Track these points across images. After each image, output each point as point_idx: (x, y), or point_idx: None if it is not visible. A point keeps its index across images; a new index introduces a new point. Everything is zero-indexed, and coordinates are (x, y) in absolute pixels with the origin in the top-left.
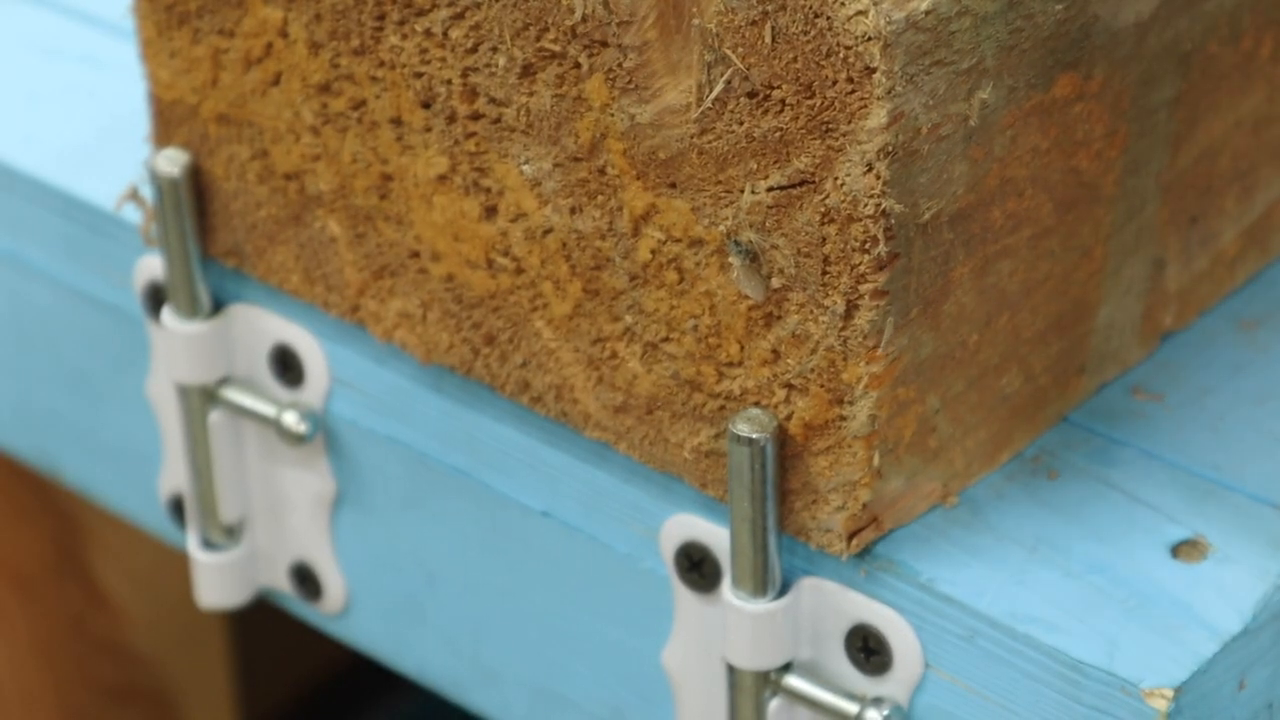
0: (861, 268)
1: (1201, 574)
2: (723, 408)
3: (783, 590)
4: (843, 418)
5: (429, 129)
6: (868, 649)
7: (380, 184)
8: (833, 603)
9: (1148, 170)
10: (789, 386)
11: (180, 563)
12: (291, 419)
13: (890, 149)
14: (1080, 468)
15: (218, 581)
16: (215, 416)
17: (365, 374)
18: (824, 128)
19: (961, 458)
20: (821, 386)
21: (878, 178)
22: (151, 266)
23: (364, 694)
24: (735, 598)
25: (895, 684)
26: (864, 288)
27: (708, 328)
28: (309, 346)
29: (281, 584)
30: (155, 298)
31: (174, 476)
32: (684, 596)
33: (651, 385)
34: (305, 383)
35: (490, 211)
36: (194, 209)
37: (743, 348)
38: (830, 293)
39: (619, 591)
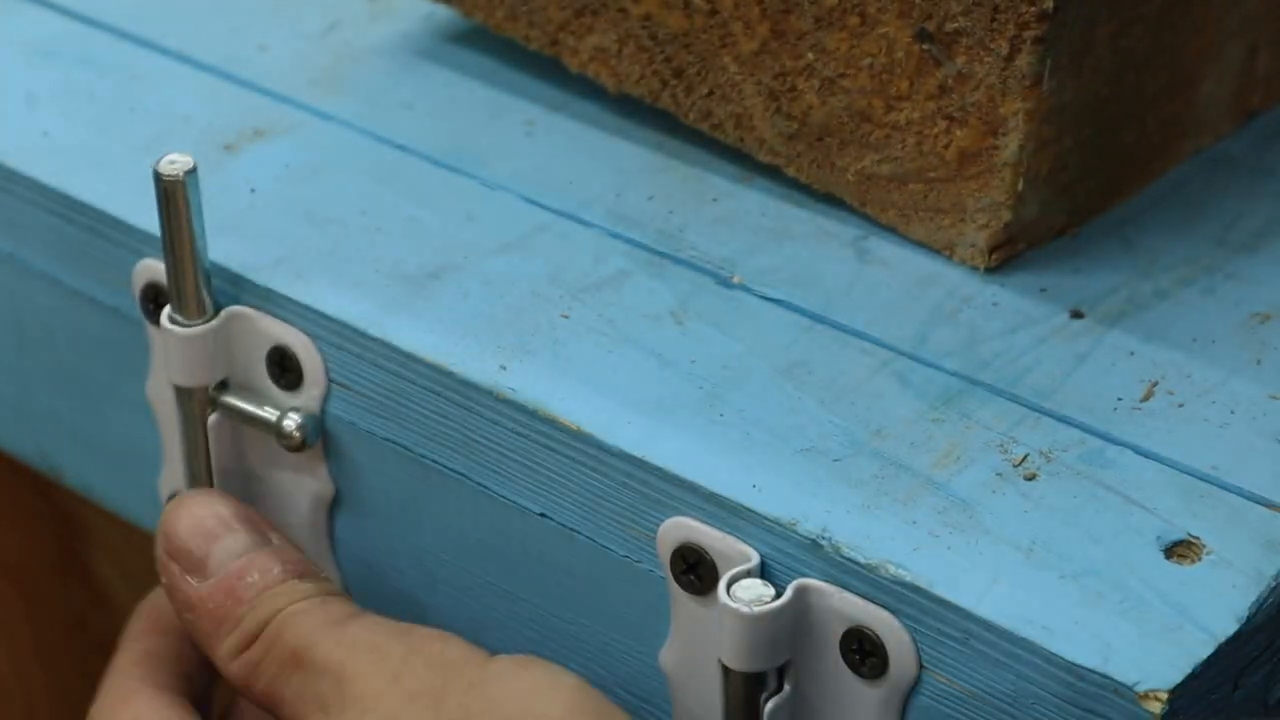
0: (1026, 16)
1: (1196, 576)
2: (888, 135)
3: (778, 593)
4: (995, 147)
5: None
6: (863, 650)
7: None
8: (827, 605)
9: None
10: (950, 119)
11: None
12: (291, 424)
13: None
14: (1075, 469)
15: None
16: (214, 419)
17: (362, 376)
18: None
19: (1084, 196)
20: (979, 119)
21: None
22: (150, 269)
23: None
24: (729, 600)
25: (889, 685)
26: (1026, 34)
27: (882, 65)
28: (306, 349)
29: None
30: (154, 300)
31: (174, 478)
32: (680, 598)
33: (825, 115)
34: (303, 385)
35: None
36: (198, 212)
37: (912, 84)
38: (996, 38)
39: (616, 593)
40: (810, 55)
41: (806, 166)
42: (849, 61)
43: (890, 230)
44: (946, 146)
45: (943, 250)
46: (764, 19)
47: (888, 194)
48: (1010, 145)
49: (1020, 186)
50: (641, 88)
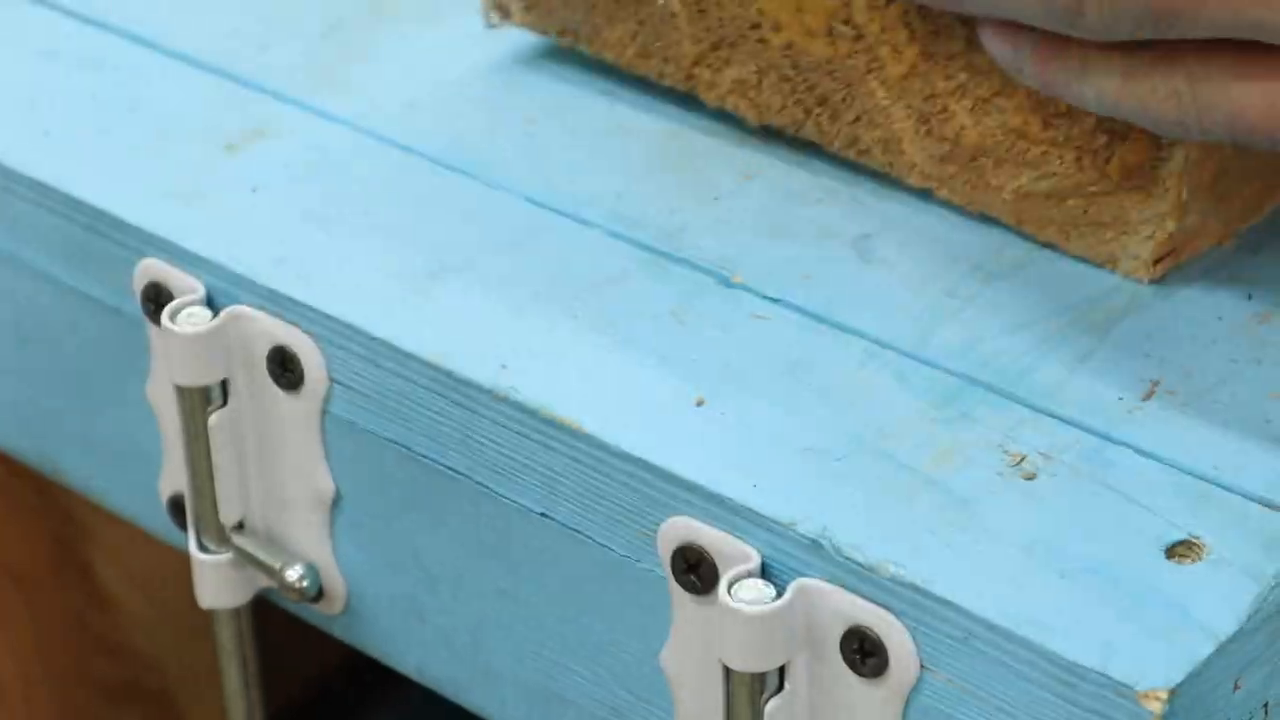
0: None
1: (1197, 575)
2: (1046, 152)
3: (779, 593)
4: (1161, 159)
5: None
6: (864, 650)
7: None
8: (828, 604)
9: None
10: (1111, 133)
11: (181, 563)
12: (294, 575)
13: None
14: (1076, 469)
15: (218, 582)
16: (215, 419)
17: (363, 376)
18: None
19: (1239, 205)
20: (1143, 131)
21: None
22: (151, 269)
23: (365, 693)
24: (730, 601)
25: (890, 685)
26: None
27: None
28: (307, 348)
29: None
30: (155, 300)
31: (175, 478)
32: (681, 598)
33: (979, 135)
34: (304, 385)
35: None
36: None
37: None
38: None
39: (617, 593)
40: (962, 75)
41: (960, 188)
42: (1004, 79)
43: (898, 229)
44: (1108, 160)
45: (1105, 264)
46: (912, 42)
47: (1046, 211)
48: (1176, 156)
49: (1184, 196)
50: (784, 118)
